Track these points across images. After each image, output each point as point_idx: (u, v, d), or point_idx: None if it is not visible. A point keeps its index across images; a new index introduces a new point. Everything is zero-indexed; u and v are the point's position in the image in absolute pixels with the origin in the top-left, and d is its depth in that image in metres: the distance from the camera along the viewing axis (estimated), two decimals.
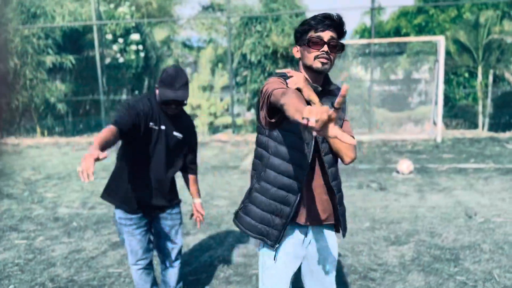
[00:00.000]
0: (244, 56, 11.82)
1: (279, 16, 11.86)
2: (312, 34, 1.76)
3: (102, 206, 5.58)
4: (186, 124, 2.66)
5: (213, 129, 12.98)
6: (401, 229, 4.47)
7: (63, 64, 12.69)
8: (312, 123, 1.14)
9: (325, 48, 1.76)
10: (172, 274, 2.79)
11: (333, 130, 1.17)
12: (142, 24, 14.89)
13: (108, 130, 2.13)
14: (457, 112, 13.39)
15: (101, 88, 12.48)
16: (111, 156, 2.33)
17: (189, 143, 2.70)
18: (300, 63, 1.87)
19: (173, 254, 2.77)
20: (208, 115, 12.72)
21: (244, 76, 12.17)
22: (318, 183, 1.87)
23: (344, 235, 2.01)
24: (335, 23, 1.76)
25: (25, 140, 12.77)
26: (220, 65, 13.30)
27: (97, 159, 1.81)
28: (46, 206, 5.72)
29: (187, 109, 12.99)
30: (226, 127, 12.98)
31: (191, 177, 2.85)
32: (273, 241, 1.85)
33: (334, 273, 2.04)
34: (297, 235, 1.92)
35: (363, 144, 10.40)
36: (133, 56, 14.40)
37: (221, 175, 7.21)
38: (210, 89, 13.38)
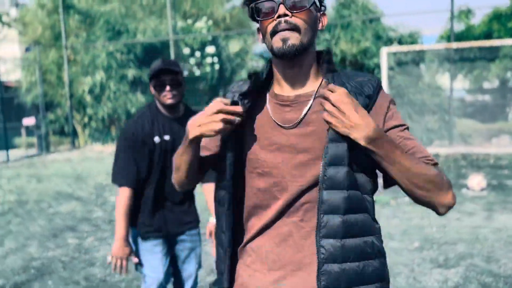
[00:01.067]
0: None
1: (348, 23, 11.53)
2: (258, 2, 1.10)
3: None
4: None
5: None
6: (454, 251, 4.01)
7: (142, 78, 13.55)
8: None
9: (281, 9, 1.06)
10: None
11: None
12: (218, 37, 15.41)
13: (127, 201, 2.15)
14: None
15: None
16: None
17: None
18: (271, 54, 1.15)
19: (189, 282, 2.45)
20: None
21: None
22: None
23: None
24: None
25: (108, 147, 13.82)
26: None
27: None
28: (106, 209, 6.07)
29: None
30: None
31: (208, 186, 2.35)
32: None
33: None
34: None
35: (439, 157, 9.62)
36: (208, 69, 14.93)
37: None
38: None
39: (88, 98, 14.13)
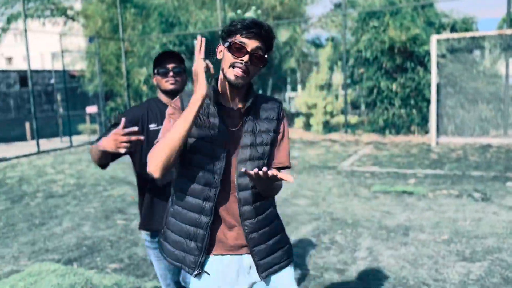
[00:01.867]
0: (360, 52, 11.49)
1: (398, 10, 11.22)
2: (237, 38, 1.54)
3: None
4: None
5: (329, 128, 12.91)
6: (482, 245, 3.99)
7: None
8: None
9: (246, 58, 1.53)
10: None
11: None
12: None
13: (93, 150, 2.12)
14: None
15: None
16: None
17: None
18: (220, 70, 1.63)
19: None
20: (323, 114, 12.69)
21: (360, 73, 11.83)
22: (229, 207, 1.65)
23: (261, 277, 1.68)
24: (263, 34, 1.54)
25: None
26: (339, 63, 13.15)
27: None
28: None
29: (304, 107, 13.17)
30: (343, 126, 12.79)
31: None
32: (191, 268, 1.65)
33: None
34: (229, 262, 1.68)
35: (491, 148, 9.25)
36: None
37: (315, 175, 7.24)
38: (328, 87, 13.31)
39: (144, 88, 14.89)
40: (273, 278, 1.71)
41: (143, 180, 2.26)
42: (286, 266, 1.75)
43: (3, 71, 18.87)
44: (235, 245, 1.66)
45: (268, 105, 1.70)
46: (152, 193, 2.24)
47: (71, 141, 12.88)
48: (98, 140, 2.10)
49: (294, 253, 3.97)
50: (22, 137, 15.23)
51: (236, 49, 1.53)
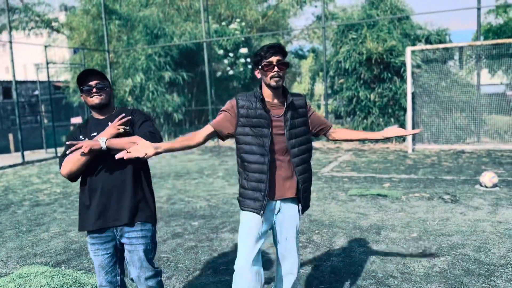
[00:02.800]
0: (339, 63, 11.89)
1: (375, 22, 11.68)
2: (264, 61, 2.39)
3: (182, 202, 6.36)
4: (132, 115, 2.51)
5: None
6: (448, 242, 4.29)
7: (178, 79, 14.28)
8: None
9: (275, 69, 2.38)
10: None
11: None
12: (251, 38, 15.90)
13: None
14: None
15: (209, 98, 13.73)
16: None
17: (137, 128, 2.47)
18: (262, 82, 2.49)
19: (138, 285, 2.53)
20: None
21: (340, 83, 12.22)
22: (281, 166, 2.52)
23: (301, 211, 2.61)
24: (278, 50, 2.39)
25: None
26: (320, 73, 13.54)
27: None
28: None
29: None
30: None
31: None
32: (258, 209, 2.49)
33: (295, 237, 2.65)
34: (269, 205, 2.55)
35: (464, 154, 9.67)
36: (241, 69, 15.47)
37: None
38: (310, 97, 13.68)
39: (129, 99, 15.06)
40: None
41: (83, 180, 2.51)
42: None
43: None
44: (282, 192, 2.54)
45: (298, 99, 2.57)
46: (89, 192, 2.47)
47: (56, 152, 12.94)
48: (64, 156, 2.42)
49: (274, 251, 4.21)
50: (5, 149, 15.19)
51: (267, 67, 2.40)
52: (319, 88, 13.82)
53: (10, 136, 15.10)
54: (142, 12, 15.19)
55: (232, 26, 15.84)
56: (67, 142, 2.42)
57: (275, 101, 2.51)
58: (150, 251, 2.54)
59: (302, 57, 20.21)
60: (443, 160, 9.01)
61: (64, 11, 18.20)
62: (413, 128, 10.56)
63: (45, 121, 16.93)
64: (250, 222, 2.53)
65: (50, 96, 12.62)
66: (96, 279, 3.77)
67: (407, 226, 4.83)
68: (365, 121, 11.88)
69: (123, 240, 2.50)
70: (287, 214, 2.58)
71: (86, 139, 2.44)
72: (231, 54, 15.40)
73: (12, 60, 11.09)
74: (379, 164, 8.91)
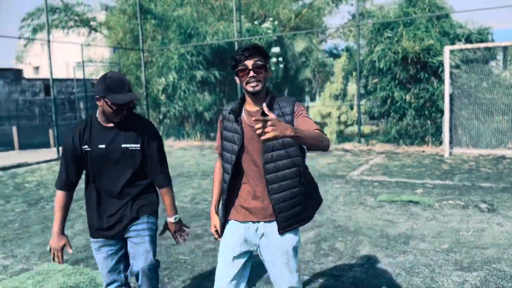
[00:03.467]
0: (373, 63, 11.53)
1: (412, 20, 11.23)
2: (239, 65, 2.12)
3: (206, 202, 6.30)
4: (143, 131, 2.48)
5: (343, 137, 12.92)
6: (482, 255, 3.99)
7: (209, 78, 14.30)
8: None
9: (251, 73, 2.11)
10: None
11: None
12: (284, 37, 15.72)
13: (59, 201, 2.46)
14: None
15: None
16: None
17: (148, 152, 2.49)
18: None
19: (142, 277, 2.51)
20: (337, 123, 12.73)
21: (374, 83, 11.85)
22: (251, 184, 2.24)
23: (280, 232, 2.21)
24: (254, 51, 2.11)
25: (179, 142, 14.79)
26: (354, 73, 13.19)
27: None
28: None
29: (318, 116, 13.25)
30: (356, 135, 12.79)
31: (162, 191, 2.59)
32: (221, 216, 2.35)
33: (286, 263, 2.23)
34: (251, 227, 2.26)
35: (504, 160, 9.13)
36: (273, 68, 15.32)
37: (323, 183, 7.30)
38: (342, 97, 13.36)
39: (162, 97, 15.24)
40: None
41: (86, 186, 2.56)
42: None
43: (29, 80, 19.56)
44: (253, 213, 2.26)
45: (284, 103, 2.19)
46: (91, 199, 2.53)
47: None
48: (57, 185, 2.50)
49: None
50: (46, 144, 15.72)
51: (242, 72, 2.13)
52: (352, 88, 13.46)
53: (50, 132, 15.60)
54: (177, 11, 15.31)
55: (265, 25, 15.72)
56: (62, 154, 2.47)
57: (256, 108, 2.20)
58: (154, 243, 2.56)
59: (336, 56, 19.82)
60: (481, 166, 8.54)
61: (105, 11, 18.60)
62: (451, 132, 10.07)
63: (83, 117, 17.41)
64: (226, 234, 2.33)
65: (85, 94, 12.93)
66: None
67: (438, 236, 4.55)
68: (400, 122, 11.46)
69: (130, 234, 2.51)
70: (273, 239, 2.22)
71: (90, 149, 2.43)
72: None
73: (50, 58, 11.42)
74: (413, 168, 8.54)
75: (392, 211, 5.53)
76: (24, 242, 4.81)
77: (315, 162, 9.62)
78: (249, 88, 2.12)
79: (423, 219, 5.15)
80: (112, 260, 2.54)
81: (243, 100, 2.25)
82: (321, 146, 1.93)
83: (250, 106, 2.22)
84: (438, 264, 3.83)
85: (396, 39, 11.06)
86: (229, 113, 2.25)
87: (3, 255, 4.40)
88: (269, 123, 1.69)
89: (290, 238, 2.23)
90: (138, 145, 2.45)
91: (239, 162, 2.23)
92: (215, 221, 2.42)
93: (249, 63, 2.10)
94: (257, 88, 2.12)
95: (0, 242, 4.80)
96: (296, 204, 2.21)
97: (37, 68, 39.89)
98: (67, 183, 2.48)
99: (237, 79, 2.20)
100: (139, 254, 2.47)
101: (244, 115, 2.23)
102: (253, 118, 1.73)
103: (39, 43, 24.77)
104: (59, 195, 2.49)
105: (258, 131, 1.68)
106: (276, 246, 2.22)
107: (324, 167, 8.97)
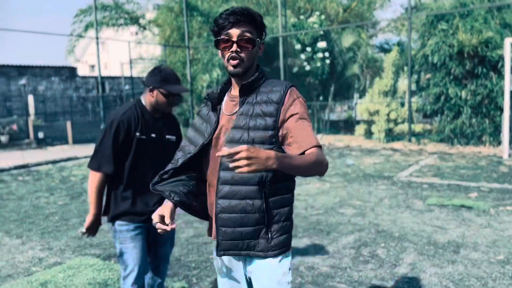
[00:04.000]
0: (426, 57, 10.87)
1: (470, 12, 10.47)
2: (221, 33, 1.60)
3: None
4: (176, 124, 2.61)
5: (392, 136, 12.33)
6: None
7: None
8: None
9: (234, 47, 1.59)
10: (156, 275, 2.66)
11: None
12: (331, 32, 15.28)
13: (101, 184, 2.38)
14: None
15: None
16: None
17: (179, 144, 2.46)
18: None
19: (164, 263, 2.63)
20: (386, 121, 12.15)
21: (427, 79, 11.19)
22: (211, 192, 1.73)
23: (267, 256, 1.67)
24: (242, 18, 1.57)
25: None
26: (405, 68, 12.55)
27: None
28: None
29: (365, 114, 12.73)
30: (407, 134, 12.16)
31: None
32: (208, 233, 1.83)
33: None
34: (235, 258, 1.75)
35: None
36: (319, 64, 14.93)
37: (367, 184, 6.92)
38: (392, 94, 12.75)
39: None
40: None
41: (125, 173, 2.45)
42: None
43: (83, 77, 20.37)
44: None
45: (273, 88, 1.64)
46: (133, 186, 2.45)
47: None
48: (98, 168, 2.39)
49: (329, 264, 3.78)
50: (97, 139, 16.27)
51: (225, 44, 1.61)
52: (403, 84, 12.82)
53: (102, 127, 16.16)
54: (222, 7, 15.28)
55: (311, 19, 15.35)
56: (112, 135, 2.37)
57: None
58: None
59: (386, 51, 19.05)
60: None
61: (156, 10, 18.96)
62: (511, 131, 9.27)
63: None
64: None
65: (132, 91, 13.22)
66: None
67: (493, 246, 4.10)
68: (454, 121, 10.75)
69: None
70: (257, 266, 1.69)
71: (144, 137, 2.43)
72: (308, 49, 14.92)
73: (98, 56, 11.74)
74: (467, 170, 7.93)
75: (442, 216, 5.09)
76: (61, 234, 4.86)
77: (359, 161, 9.21)
78: (229, 67, 1.62)
79: (477, 226, 4.69)
80: (145, 248, 2.52)
81: (229, 83, 1.74)
82: (316, 174, 1.53)
83: (235, 90, 1.70)
84: (492, 277, 3.42)
85: (451, 31, 10.37)
86: (205, 98, 1.77)
87: (41, 247, 4.46)
88: (240, 155, 1.27)
89: (277, 266, 1.69)
90: (175, 137, 2.54)
91: (197, 158, 1.73)
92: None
93: (234, 33, 1.58)
94: (238, 69, 1.61)
95: (39, 233, 4.89)
96: (253, 223, 1.65)
97: (92, 67, 41.68)
98: (110, 165, 2.37)
99: (219, 53, 1.68)
100: (165, 241, 2.60)
101: (226, 100, 1.72)
102: (217, 153, 1.33)
103: (94, 41, 25.77)
104: (101, 177, 2.40)
105: (231, 165, 1.29)
106: (261, 274, 1.71)
107: (369, 167, 8.54)
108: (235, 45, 1.59)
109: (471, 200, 5.72)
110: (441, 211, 5.29)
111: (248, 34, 1.59)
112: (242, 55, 1.60)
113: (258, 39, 1.64)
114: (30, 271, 3.86)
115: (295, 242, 4.38)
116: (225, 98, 1.73)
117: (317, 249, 4.20)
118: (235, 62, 1.60)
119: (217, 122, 1.69)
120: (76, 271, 3.84)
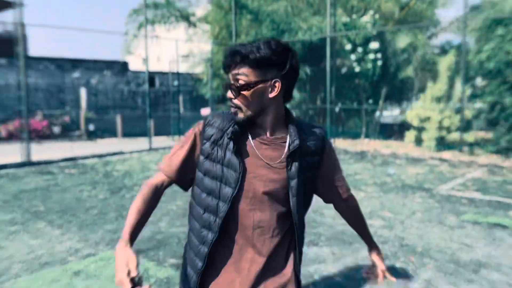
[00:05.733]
0: (481, 63, 10.34)
1: None
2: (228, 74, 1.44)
3: None
4: None
5: (444, 145, 11.77)
6: None
7: (300, 75, 14.13)
8: None
9: (228, 94, 1.43)
10: None
11: None
12: (385, 32, 14.88)
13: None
14: None
15: (328, 97, 13.29)
16: None
17: None
18: None
19: None
20: (438, 129, 11.62)
21: (482, 86, 10.64)
22: (241, 237, 1.49)
23: None
24: (240, 56, 1.35)
25: None
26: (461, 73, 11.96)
27: None
28: None
29: (415, 120, 12.27)
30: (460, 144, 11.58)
31: None
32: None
33: None
34: None
35: None
36: (370, 65, 14.60)
37: (403, 196, 6.77)
38: (446, 101, 12.18)
39: None
40: None
41: None
42: None
43: (134, 72, 21.13)
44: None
45: (309, 135, 1.50)
46: None
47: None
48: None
49: (344, 274, 3.81)
50: (145, 133, 16.96)
51: (225, 88, 1.46)
52: (458, 90, 12.22)
53: (151, 122, 16.81)
54: (272, 7, 15.34)
55: (364, 18, 15.02)
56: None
57: (274, 136, 1.48)
58: None
59: (447, 52, 18.19)
60: None
61: (209, 4, 19.42)
62: None
63: (182, 110, 18.37)
64: None
65: (178, 88, 13.67)
66: (163, 273, 3.88)
67: None
68: (510, 132, 10.13)
69: None
70: None
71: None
72: (359, 49, 14.63)
73: (146, 52, 12.33)
74: None
75: (472, 234, 4.91)
76: (98, 228, 5.23)
77: (402, 170, 8.98)
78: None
79: (506, 246, 4.49)
80: None
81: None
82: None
83: (260, 129, 1.48)
84: None
85: (509, 37, 9.78)
86: (233, 126, 1.44)
87: (78, 239, 4.83)
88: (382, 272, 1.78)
89: None
90: None
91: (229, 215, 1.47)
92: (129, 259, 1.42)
93: (232, 75, 1.41)
94: (239, 117, 1.42)
95: (78, 226, 5.29)
96: None
97: (145, 60, 42.99)
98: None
99: None
100: None
101: (251, 140, 1.46)
102: (367, 274, 1.82)
103: (149, 37, 26.81)
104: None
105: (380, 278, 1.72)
106: None
107: (411, 177, 8.32)
108: (228, 92, 1.44)
109: (508, 218, 5.45)
110: (473, 228, 5.10)
111: (242, 78, 1.38)
112: (237, 102, 1.41)
113: (264, 79, 1.38)
114: (66, 260, 4.21)
115: (315, 251, 4.44)
116: (249, 137, 1.47)
117: (335, 259, 4.23)
118: (233, 110, 1.45)
119: (243, 168, 1.43)
120: (106, 263, 4.15)
